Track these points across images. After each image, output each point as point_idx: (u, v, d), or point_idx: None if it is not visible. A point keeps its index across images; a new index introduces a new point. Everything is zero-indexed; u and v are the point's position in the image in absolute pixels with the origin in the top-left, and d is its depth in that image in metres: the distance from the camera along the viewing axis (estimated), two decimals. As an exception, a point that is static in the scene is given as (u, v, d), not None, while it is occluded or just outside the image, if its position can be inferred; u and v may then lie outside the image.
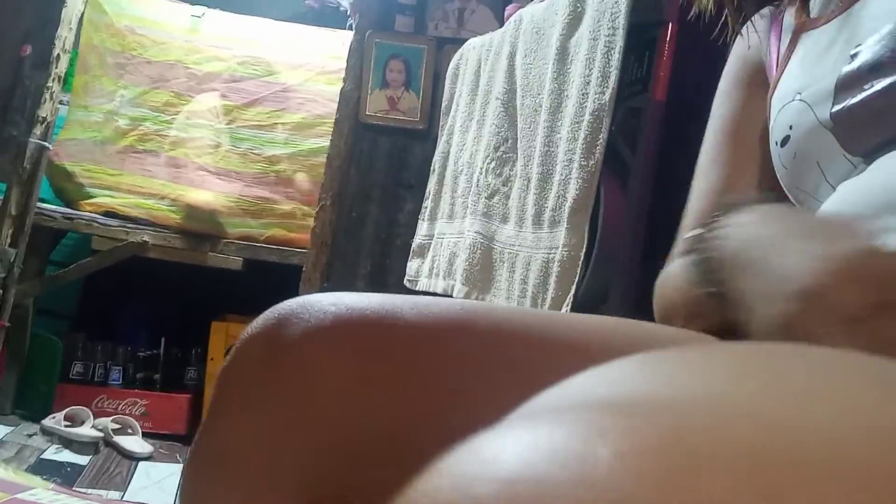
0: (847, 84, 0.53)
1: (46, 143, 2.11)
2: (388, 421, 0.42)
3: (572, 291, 1.18)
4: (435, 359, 0.43)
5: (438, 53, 2.11)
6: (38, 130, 2.07)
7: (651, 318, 1.10)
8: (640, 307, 1.18)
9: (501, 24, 2.12)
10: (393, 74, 2.11)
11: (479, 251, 1.52)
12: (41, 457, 2.20)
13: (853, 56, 0.53)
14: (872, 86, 0.50)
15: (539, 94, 1.44)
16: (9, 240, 2.06)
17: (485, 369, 0.43)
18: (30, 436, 2.35)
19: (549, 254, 1.27)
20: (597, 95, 1.20)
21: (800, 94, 0.57)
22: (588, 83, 1.25)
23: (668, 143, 1.19)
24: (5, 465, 2.01)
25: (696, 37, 1.21)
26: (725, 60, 0.78)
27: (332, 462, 0.41)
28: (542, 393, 0.21)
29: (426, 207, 1.90)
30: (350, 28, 2.50)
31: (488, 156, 1.59)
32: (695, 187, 0.71)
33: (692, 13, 0.70)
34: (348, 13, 2.72)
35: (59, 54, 2.08)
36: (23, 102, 2.05)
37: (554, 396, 0.20)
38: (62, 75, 2.16)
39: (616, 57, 1.18)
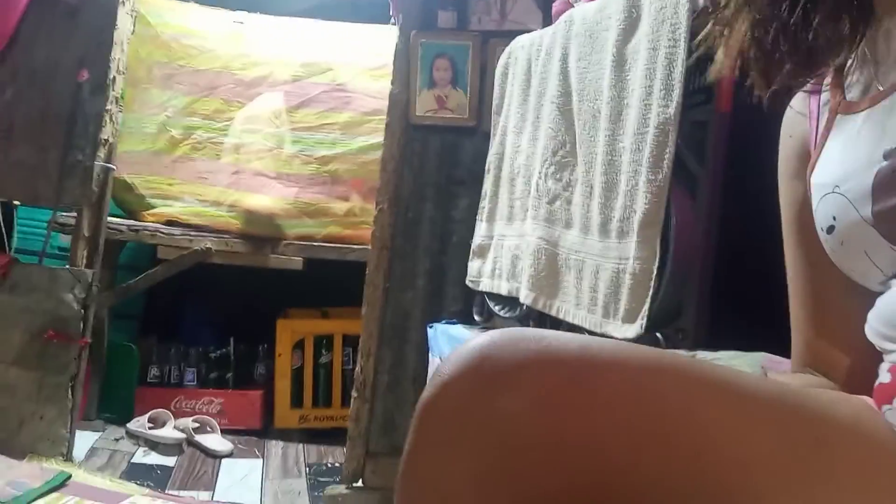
0: (885, 184, 0.55)
1: (111, 165, 2.18)
2: (583, 478, 0.44)
3: (647, 305, 1.20)
4: (632, 412, 0.45)
5: (483, 49, 2.11)
6: (101, 153, 2.14)
7: (727, 333, 1.12)
8: (714, 322, 1.20)
9: (544, 15, 2.11)
10: (440, 73, 2.12)
11: (543, 256, 1.55)
12: (131, 461, 2.33)
13: (886, 155, 0.55)
14: None
15: (597, 100, 1.45)
16: (84, 261, 2.15)
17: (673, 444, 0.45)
18: (117, 440, 2.48)
19: (620, 264, 1.29)
20: (661, 108, 1.21)
21: (838, 186, 0.59)
22: (650, 94, 1.25)
23: (736, 154, 1.20)
24: (101, 473, 2.13)
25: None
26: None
27: None
28: None
29: (483, 208, 1.92)
30: (391, 22, 2.50)
31: (546, 160, 1.60)
32: (788, 269, 0.73)
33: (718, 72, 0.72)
34: (385, 2, 2.72)
35: (114, 76, 2.14)
36: (84, 127, 2.11)
37: None
38: (118, 97, 2.22)
39: (679, 70, 1.19)
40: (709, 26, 0.72)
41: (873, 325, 0.60)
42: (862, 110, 0.61)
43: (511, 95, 1.86)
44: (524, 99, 1.78)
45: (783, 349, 0.81)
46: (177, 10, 2.65)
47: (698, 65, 1.23)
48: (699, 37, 0.74)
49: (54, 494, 1.88)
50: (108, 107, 2.14)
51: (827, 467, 0.47)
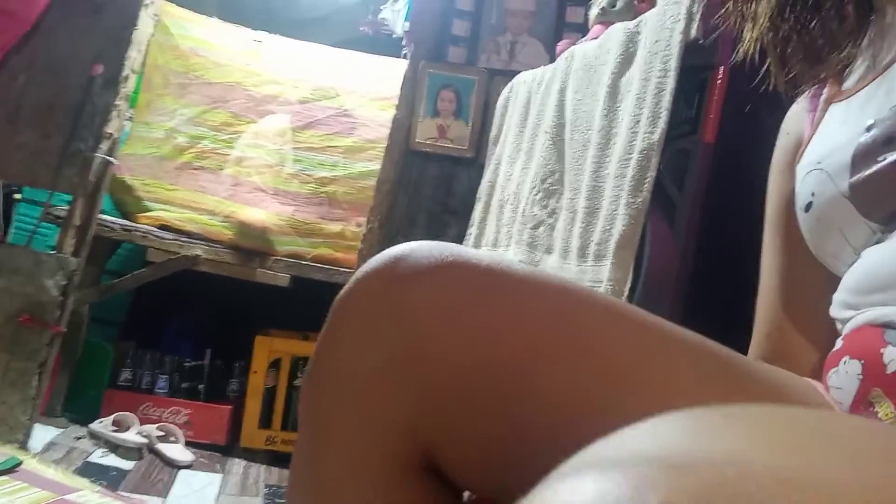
0: (863, 156, 0.55)
1: (112, 159, 2.20)
2: (487, 367, 0.44)
3: (615, 326, 1.19)
4: (539, 314, 0.45)
5: (489, 84, 2.16)
6: (104, 146, 2.16)
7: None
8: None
9: (552, 58, 2.16)
10: (444, 104, 2.17)
11: (522, 281, 1.55)
12: (88, 459, 2.27)
13: (868, 128, 0.55)
14: (885, 158, 0.53)
15: (588, 130, 1.47)
16: (71, 249, 2.15)
17: (578, 341, 0.45)
18: (78, 438, 2.43)
19: (594, 286, 1.29)
20: (646, 134, 1.23)
21: (820, 162, 0.60)
22: (638, 122, 1.28)
23: (716, 185, 1.21)
24: (55, 466, 2.08)
25: (746, 82, 1.23)
26: (775, 106, 0.80)
27: (441, 403, 0.43)
28: (599, 442, 0.23)
29: (471, 234, 1.93)
30: (403, 56, 2.57)
31: (535, 187, 1.62)
32: (762, 267, 0.74)
33: (735, 55, 0.72)
34: (402, 41, 2.80)
35: (128, 74, 2.18)
36: (91, 119, 2.15)
37: (611, 447, 0.22)
38: (129, 94, 2.26)
39: (667, 98, 1.21)
40: (729, 4, 0.73)
41: (839, 299, 0.59)
42: (853, 94, 0.62)
43: (509, 127, 1.89)
44: (521, 130, 1.81)
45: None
46: (199, 24, 2.73)
47: (686, 96, 1.26)
48: (720, 13, 0.75)
49: (1, 478, 1.83)
50: (118, 102, 2.18)
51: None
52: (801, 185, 0.63)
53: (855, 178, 0.56)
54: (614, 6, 1.78)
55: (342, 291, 0.49)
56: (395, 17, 3.20)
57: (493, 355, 0.44)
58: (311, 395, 0.49)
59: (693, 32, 1.20)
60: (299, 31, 2.84)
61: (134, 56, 2.21)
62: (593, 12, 1.83)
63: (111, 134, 2.19)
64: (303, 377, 0.54)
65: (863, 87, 0.61)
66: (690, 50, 1.23)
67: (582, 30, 2.03)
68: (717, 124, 1.20)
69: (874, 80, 0.59)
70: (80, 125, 2.14)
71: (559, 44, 1.88)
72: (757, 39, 0.68)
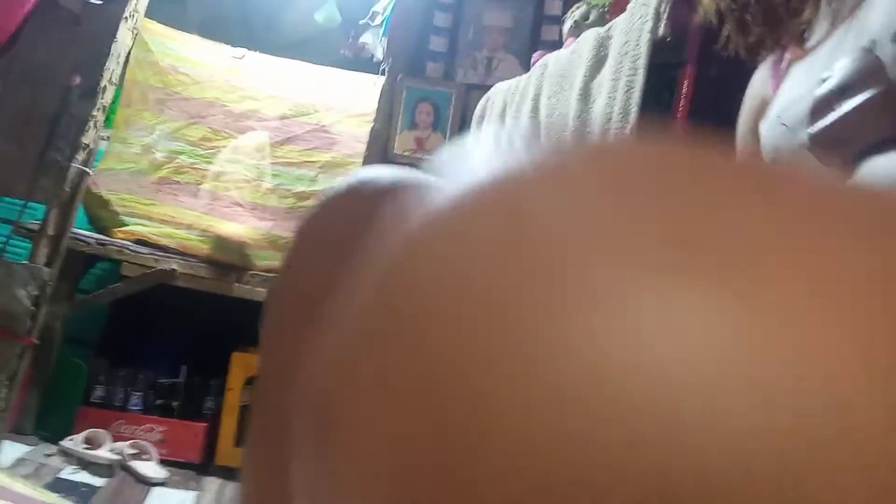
0: (819, 107, 0.57)
1: (87, 169, 2.20)
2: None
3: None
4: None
5: (466, 98, 2.19)
6: (80, 156, 2.16)
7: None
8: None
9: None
10: (422, 116, 2.19)
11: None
12: (58, 476, 2.22)
13: (824, 80, 0.57)
14: (841, 106, 0.55)
15: (563, 132, 1.50)
16: (45, 259, 2.13)
17: None
18: (48, 455, 2.38)
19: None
20: (618, 130, 1.25)
21: (780, 117, 0.62)
22: (609, 119, 1.30)
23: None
24: (24, 481, 2.04)
25: (713, 78, 1.26)
26: (741, 98, 0.82)
27: None
28: None
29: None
30: (382, 73, 2.60)
31: (511, 191, 1.64)
32: None
33: (697, 19, 0.74)
34: (382, 62, 2.84)
35: (105, 85, 2.19)
36: (67, 129, 2.15)
37: None
38: (107, 106, 2.26)
39: (636, 95, 1.24)
40: None
41: None
42: (813, 51, 0.63)
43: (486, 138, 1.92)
44: (496, 140, 1.84)
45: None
46: (178, 41, 2.75)
47: (656, 93, 1.28)
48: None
49: (-33, 491, 1.79)
50: (95, 113, 2.18)
51: None
52: (763, 142, 0.65)
53: (814, 128, 0.58)
54: (587, 19, 1.82)
55: (307, 215, 0.50)
56: (375, 40, 3.25)
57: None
58: (268, 316, 0.49)
59: (661, 30, 1.24)
60: (280, 54, 2.87)
61: (112, 68, 2.22)
62: (566, 26, 1.87)
63: (87, 145, 2.19)
64: (265, 301, 0.54)
65: (822, 43, 0.63)
66: (659, 48, 1.26)
67: (556, 46, 2.07)
68: (686, 119, 1.23)
69: (832, 35, 0.62)
70: (56, 135, 2.14)
71: (534, 54, 1.92)
72: (715, 5, 0.70)
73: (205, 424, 2.64)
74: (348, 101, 2.76)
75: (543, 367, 0.13)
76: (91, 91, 2.16)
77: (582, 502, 0.13)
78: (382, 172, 0.48)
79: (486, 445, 0.13)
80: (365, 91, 2.73)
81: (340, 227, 0.47)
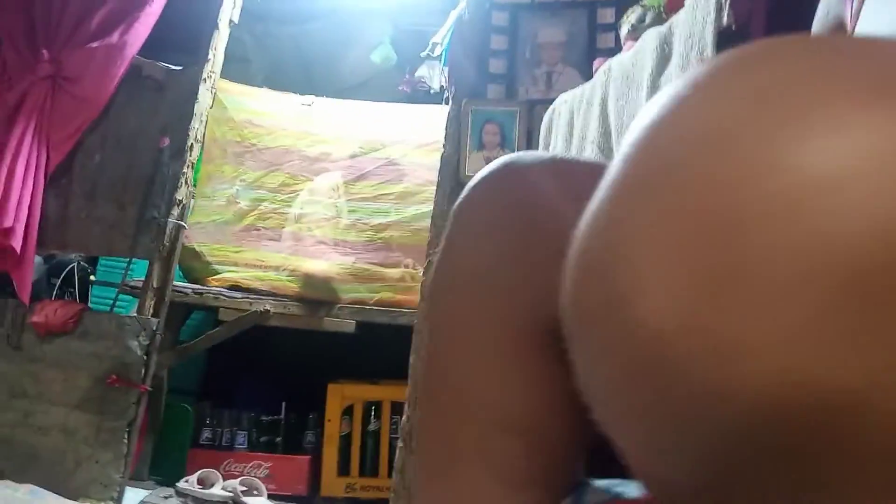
0: None
1: (183, 223, 2.34)
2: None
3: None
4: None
5: (530, 114, 2.25)
6: (175, 212, 2.31)
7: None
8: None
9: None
10: (489, 137, 2.26)
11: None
12: (178, 516, 2.34)
13: None
14: None
15: (634, 132, 1.53)
16: (151, 310, 2.27)
17: None
18: (166, 498, 2.50)
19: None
20: (691, 121, 1.28)
21: None
22: (681, 112, 1.33)
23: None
24: (148, 522, 2.15)
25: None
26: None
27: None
28: None
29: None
30: (445, 102, 2.69)
31: (588, 196, 1.67)
32: None
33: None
34: (441, 89, 2.93)
35: (192, 144, 2.34)
36: (162, 188, 2.30)
37: None
38: (194, 162, 2.42)
39: (707, 84, 1.27)
40: None
41: None
42: None
43: (555, 146, 1.96)
44: (567, 146, 1.88)
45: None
46: (250, 95, 2.91)
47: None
48: None
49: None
50: (185, 170, 2.33)
51: None
52: None
53: None
54: (644, 21, 1.86)
55: (461, 198, 0.52)
56: (432, 73, 3.36)
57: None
58: (438, 293, 0.52)
59: (725, 20, 1.27)
60: (346, 94, 3.01)
61: (196, 127, 2.37)
62: (624, 30, 1.91)
63: (181, 200, 2.34)
64: (427, 280, 0.56)
65: None
66: (724, 38, 1.29)
67: (613, 52, 2.11)
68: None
69: None
70: (152, 194, 2.29)
71: (595, 61, 1.96)
72: None
73: (308, 457, 2.73)
74: (413, 133, 2.86)
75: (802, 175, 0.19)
76: (179, 150, 2.32)
77: (832, 266, 0.18)
78: (525, 154, 0.53)
79: (761, 238, 0.19)
80: (428, 121, 2.82)
81: (499, 203, 0.50)
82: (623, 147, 0.24)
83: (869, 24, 0.64)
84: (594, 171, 0.51)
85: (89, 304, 2.94)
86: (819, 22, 0.74)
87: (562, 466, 0.44)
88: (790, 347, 0.18)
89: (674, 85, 0.23)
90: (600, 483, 0.43)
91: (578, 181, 0.50)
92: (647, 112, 0.23)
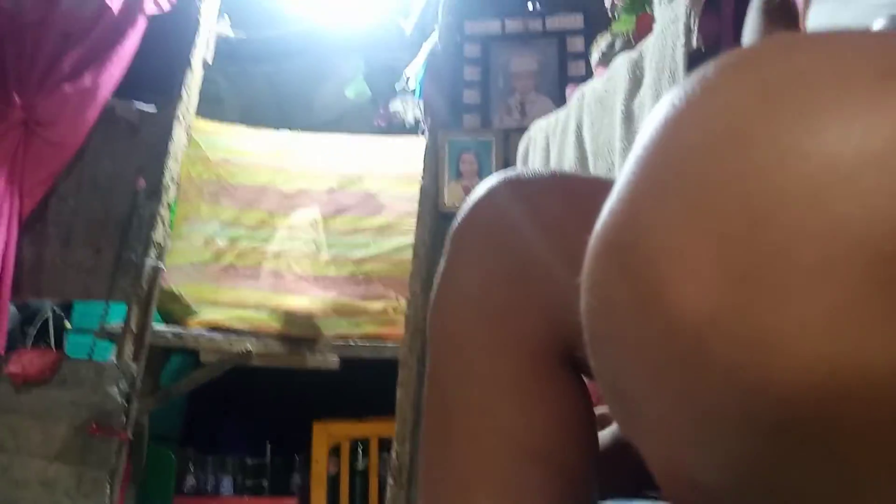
0: None
1: (160, 265, 2.31)
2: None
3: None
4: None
5: (506, 142, 2.27)
6: (152, 253, 2.28)
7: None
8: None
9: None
10: (465, 166, 2.27)
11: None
12: (164, 566, 2.27)
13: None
14: None
15: (610, 155, 1.55)
16: (131, 355, 2.22)
17: None
18: (151, 549, 2.43)
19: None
20: (667, 142, 1.30)
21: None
22: (657, 134, 1.35)
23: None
24: (134, 572, 2.09)
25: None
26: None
27: (572, 296, 0.46)
28: None
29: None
30: (420, 134, 2.71)
31: (568, 220, 1.68)
32: None
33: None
34: (416, 122, 2.95)
35: (168, 184, 2.32)
36: (139, 230, 2.28)
37: None
38: (171, 203, 2.40)
39: (680, 105, 1.29)
40: None
41: None
42: None
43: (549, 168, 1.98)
44: (545, 173, 1.90)
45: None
46: (225, 133, 2.90)
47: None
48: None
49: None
50: (161, 211, 2.31)
51: None
52: None
53: None
54: (613, 47, 1.90)
55: (458, 220, 0.51)
56: (406, 106, 3.39)
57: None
58: (439, 321, 0.50)
59: (694, 42, 1.29)
60: (321, 128, 3.01)
61: (172, 166, 2.36)
62: (595, 58, 1.95)
63: (158, 242, 2.31)
64: (431, 304, 0.55)
65: None
66: (694, 60, 1.31)
67: (584, 80, 2.14)
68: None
69: None
70: (128, 237, 2.27)
71: (567, 88, 1.99)
72: None
73: (296, 499, 2.68)
74: (390, 166, 2.87)
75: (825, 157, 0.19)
76: (155, 191, 2.30)
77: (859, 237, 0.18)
78: (524, 170, 0.52)
79: (786, 222, 0.19)
80: (404, 153, 2.84)
81: (500, 222, 0.49)
82: (636, 148, 0.24)
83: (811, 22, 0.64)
84: (593, 185, 0.52)
85: (66, 352, 2.89)
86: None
87: (581, 490, 0.43)
88: (825, 334, 0.18)
89: (682, 85, 0.23)
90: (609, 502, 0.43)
91: (578, 195, 0.50)
92: (660, 111, 0.24)
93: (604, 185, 0.52)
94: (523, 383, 0.45)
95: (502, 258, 0.48)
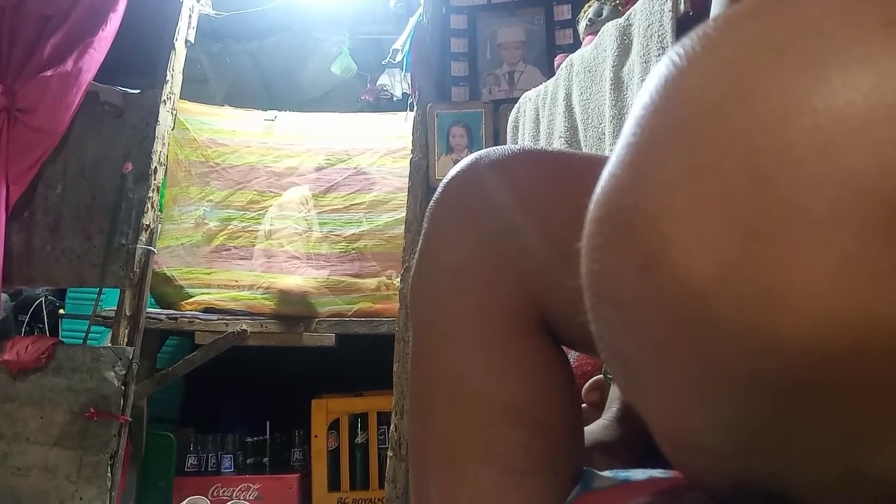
0: None
1: (152, 248, 2.30)
2: (577, 217, 0.48)
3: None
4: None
5: (495, 114, 2.25)
6: (143, 237, 2.27)
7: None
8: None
9: (550, 78, 2.27)
10: (455, 139, 2.26)
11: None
12: (169, 546, 2.29)
13: None
14: None
15: (601, 124, 1.54)
16: (126, 339, 2.22)
17: None
18: (155, 529, 2.45)
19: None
20: (657, 109, 1.30)
21: None
22: (646, 101, 1.34)
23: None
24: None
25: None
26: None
27: (544, 266, 0.46)
28: None
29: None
30: (409, 108, 2.69)
31: (560, 191, 1.68)
32: None
33: None
34: (403, 96, 2.93)
35: (156, 167, 2.30)
36: (128, 214, 2.26)
37: None
38: (160, 185, 2.38)
39: (669, 71, 1.28)
40: None
41: None
42: None
43: (523, 144, 1.97)
44: (535, 143, 1.89)
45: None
46: (212, 114, 2.88)
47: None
48: None
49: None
50: (150, 194, 2.29)
51: None
52: None
53: None
54: (601, 15, 1.88)
55: (435, 197, 0.52)
56: (393, 80, 3.35)
57: (580, 202, 0.47)
58: (419, 295, 0.51)
59: (682, 7, 1.28)
60: (309, 106, 2.99)
61: (159, 150, 2.33)
62: (582, 26, 1.93)
63: (148, 225, 2.30)
64: (409, 282, 0.55)
65: None
66: (683, 25, 1.30)
67: (573, 48, 2.13)
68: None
69: None
70: (118, 222, 2.25)
71: (556, 58, 1.97)
72: None
73: (297, 475, 2.70)
74: (379, 142, 2.85)
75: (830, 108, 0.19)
76: (143, 175, 2.28)
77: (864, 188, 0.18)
78: (493, 149, 0.53)
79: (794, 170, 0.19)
80: (393, 129, 2.82)
81: (472, 197, 0.50)
82: (635, 109, 0.24)
83: None
84: (564, 158, 0.52)
85: (60, 338, 2.89)
86: None
87: (565, 452, 0.44)
88: (835, 288, 0.18)
89: (680, 44, 0.23)
90: (606, 471, 0.43)
91: (550, 168, 0.51)
92: (659, 71, 0.23)
93: (574, 158, 0.53)
94: (498, 347, 0.46)
95: (476, 231, 0.49)
